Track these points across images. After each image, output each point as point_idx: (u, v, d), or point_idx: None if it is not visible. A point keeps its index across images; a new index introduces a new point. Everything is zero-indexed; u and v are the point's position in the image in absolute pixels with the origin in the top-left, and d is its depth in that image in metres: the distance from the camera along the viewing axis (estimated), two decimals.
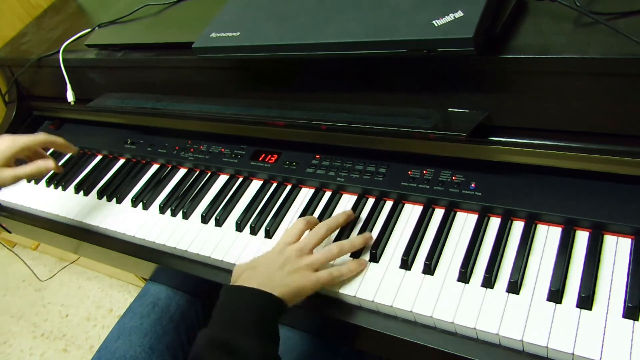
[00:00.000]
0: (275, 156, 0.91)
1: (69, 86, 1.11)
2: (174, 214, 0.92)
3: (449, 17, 0.62)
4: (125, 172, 1.06)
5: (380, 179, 0.80)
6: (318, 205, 0.84)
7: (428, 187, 0.76)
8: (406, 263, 0.70)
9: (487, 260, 0.66)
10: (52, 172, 1.13)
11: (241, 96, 0.92)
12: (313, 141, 0.86)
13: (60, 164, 1.17)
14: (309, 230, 0.75)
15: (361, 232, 0.76)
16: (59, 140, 0.93)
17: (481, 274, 0.66)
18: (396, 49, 0.65)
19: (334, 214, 0.81)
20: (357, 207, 0.80)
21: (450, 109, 0.71)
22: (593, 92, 0.61)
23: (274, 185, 0.90)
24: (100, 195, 1.03)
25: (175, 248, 0.86)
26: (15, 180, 0.85)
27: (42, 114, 1.28)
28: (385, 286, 0.69)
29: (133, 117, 1.06)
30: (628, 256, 0.62)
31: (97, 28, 1.11)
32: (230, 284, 0.69)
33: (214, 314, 0.64)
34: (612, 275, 0.61)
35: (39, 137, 0.90)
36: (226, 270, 0.81)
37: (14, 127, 1.25)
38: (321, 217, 0.80)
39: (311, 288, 0.67)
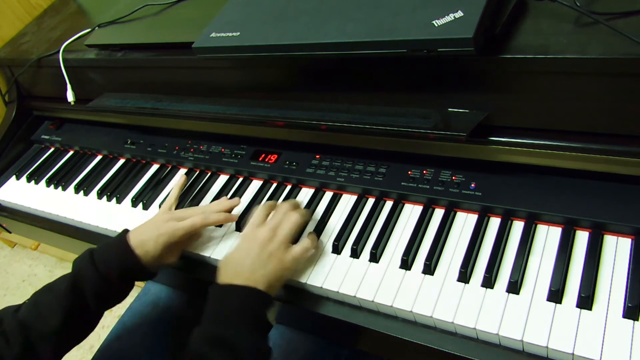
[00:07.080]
0: (275, 156, 0.91)
1: (69, 86, 1.11)
2: None
3: (449, 17, 0.62)
4: (125, 172, 1.06)
5: (380, 179, 0.80)
6: (318, 205, 0.84)
7: (428, 187, 0.76)
8: (406, 263, 0.70)
9: (487, 260, 0.67)
10: (50, 174, 1.14)
11: (241, 96, 0.92)
12: (313, 141, 0.86)
13: (59, 163, 1.17)
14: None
15: (361, 232, 0.76)
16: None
17: (481, 274, 0.66)
18: (396, 49, 0.65)
19: (334, 214, 0.81)
20: (357, 207, 0.80)
21: (450, 109, 0.71)
22: (593, 92, 0.61)
23: (274, 185, 0.90)
24: (100, 195, 1.03)
25: None
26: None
27: (42, 114, 1.28)
28: (385, 286, 0.69)
29: (133, 117, 1.06)
30: (628, 256, 0.62)
31: (97, 28, 1.11)
32: (217, 279, 0.72)
33: (207, 312, 0.68)
34: (612, 275, 0.61)
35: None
36: None
37: (14, 127, 1.25)
38: (321, 218, 0.80)
39: (291, 267, 0.73)
